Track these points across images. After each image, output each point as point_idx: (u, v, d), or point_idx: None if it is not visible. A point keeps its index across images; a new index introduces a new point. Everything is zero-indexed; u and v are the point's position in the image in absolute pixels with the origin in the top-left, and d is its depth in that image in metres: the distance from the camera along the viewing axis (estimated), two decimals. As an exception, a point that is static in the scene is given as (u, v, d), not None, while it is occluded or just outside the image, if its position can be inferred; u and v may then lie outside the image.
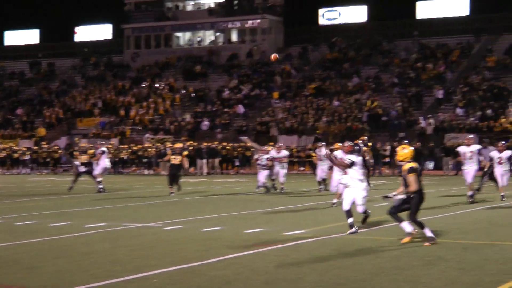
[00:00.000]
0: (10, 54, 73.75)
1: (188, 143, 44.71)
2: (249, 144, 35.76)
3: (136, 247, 12.97)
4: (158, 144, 46.46)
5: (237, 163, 43.86)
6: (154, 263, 11.09)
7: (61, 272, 10.67)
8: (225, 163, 44.21)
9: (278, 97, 55.12)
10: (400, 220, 12.93)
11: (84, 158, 28.20)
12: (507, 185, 21.92)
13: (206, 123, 53.01)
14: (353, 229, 14.09)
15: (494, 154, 21.91)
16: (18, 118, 61.09)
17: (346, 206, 14.23)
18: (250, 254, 12.18)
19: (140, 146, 47.24)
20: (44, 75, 69.34)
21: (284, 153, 27.26)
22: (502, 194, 21.52)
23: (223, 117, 53.82)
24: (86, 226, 16.14)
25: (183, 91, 59.58)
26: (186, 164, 26.22)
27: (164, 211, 19.97)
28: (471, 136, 22.58)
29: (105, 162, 28.55)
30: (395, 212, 12.97)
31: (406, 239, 12.79)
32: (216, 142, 45.47)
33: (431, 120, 46.03)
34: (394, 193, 13.03)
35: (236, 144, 44.23)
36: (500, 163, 21.60)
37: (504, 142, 22.91)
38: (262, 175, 26.27)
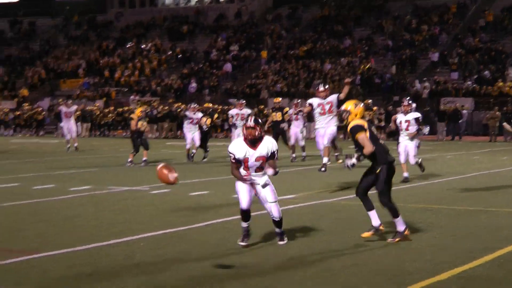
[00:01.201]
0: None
1: (176, 105, 44.15)
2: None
3: (121, 211, 12.60)
4: (146, 106, 45.80)
5: (226, 127, 43.21)
6: (140, 227, 10.64)
7: (44, 235, 10.35)
8: (214, 127, 43.61)
9: (268, 59, 54.47)
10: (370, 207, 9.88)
11: None
12: None
13: (193, 85, 52.35)
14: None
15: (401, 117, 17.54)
16: (-1, 78, 60.27)
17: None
18: (238, 219, 11.79)
19: (126, 108, 46.62)
20: (25, 35, 68.17)
21: (247, 111, 24.53)
22: None
23: (211, 79, 53.17)
24: (70, 189, 15.77)
25: (170, 52, 58.80)
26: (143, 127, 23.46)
27: (151, 174, 19.32)
28: (409, 101, 18.01)
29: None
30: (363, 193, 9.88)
31: (367, 233, 9.79)
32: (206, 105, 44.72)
33: (426, 84, 45.44)
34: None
35: (225, 107, 43.62)
36: None
37: None
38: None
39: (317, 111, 16.02)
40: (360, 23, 56.71)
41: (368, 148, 9.52)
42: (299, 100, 25.57)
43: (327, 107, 15.98)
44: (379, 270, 8.17)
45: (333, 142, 16.59)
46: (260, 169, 9.50)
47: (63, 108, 29.36)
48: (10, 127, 47.57)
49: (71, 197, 14.70)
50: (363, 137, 9.56)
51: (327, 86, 16.25)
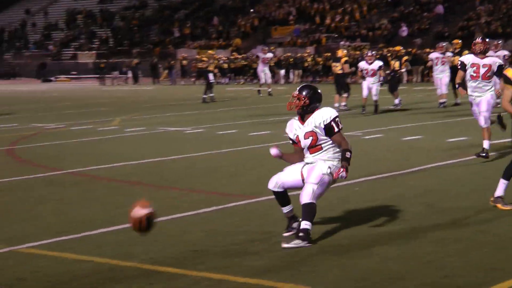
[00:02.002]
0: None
1: (386, 50, 43.57)
2: None
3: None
4: (355, 52, 45.65)
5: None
6: (356, 172, 10.54)
7: (261, 180, 10.56)
8: (427, 71, 42.70)
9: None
10: None
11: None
12: None
13: (404, 28, 51.50)
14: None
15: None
16: (213, 28, 62.33)
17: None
18: (452, 164, 11.69)
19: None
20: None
21: (377, 63, 21.66)
22: None
23: (421, 22, 51.99)
24: (286, 135, 16.13)
25: (379, -4, 57.98)
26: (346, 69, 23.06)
27: (364, 120, 19.63)
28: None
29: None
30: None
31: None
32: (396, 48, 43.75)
33: None
34: None
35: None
36: None
37: None
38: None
39: (468, 71, 11.84)
40: None
41: None
42: (444, 44, 23.77)
43: (482, 70, 11.72)
44: None
45: (500, 118, 12.24)
46: (316, 149, 7.47)
47: (260, 55, 32.14)
48: (225, 76, 49.27)
49: (285, 143, 15.08)
50: None
51: (487, 39, 12.15)
